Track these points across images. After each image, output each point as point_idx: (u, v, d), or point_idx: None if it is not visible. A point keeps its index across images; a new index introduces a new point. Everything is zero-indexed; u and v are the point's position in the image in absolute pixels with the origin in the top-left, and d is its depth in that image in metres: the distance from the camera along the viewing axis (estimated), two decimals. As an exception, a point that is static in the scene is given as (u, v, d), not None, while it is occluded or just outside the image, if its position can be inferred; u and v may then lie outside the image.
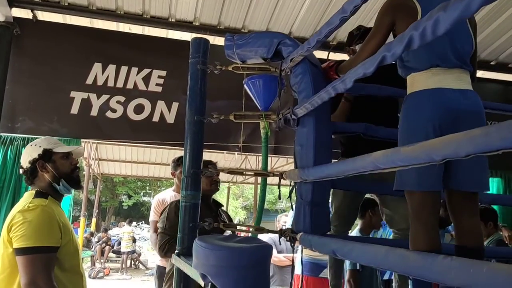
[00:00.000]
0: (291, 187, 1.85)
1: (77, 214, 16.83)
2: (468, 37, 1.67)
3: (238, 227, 2.10)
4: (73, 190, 2.08)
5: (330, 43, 3.86)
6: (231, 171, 2.16)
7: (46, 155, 1.92)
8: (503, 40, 3.90)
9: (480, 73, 4.40)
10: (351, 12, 1.29)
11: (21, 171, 1.97)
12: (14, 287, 1.72)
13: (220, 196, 23.70)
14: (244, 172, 2.15)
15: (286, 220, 5.15)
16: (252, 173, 2.06)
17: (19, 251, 1.68)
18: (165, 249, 2.40)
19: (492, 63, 4.27)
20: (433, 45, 1.53)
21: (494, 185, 4.26)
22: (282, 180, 1.88)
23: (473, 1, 0.80)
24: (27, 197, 1.87)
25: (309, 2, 3.45)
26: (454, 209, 1.64)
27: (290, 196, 1.88)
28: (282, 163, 10.05)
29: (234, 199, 25.05)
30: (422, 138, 1.48)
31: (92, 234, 12.76)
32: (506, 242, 3.51)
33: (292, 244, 1.78)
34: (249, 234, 2.29)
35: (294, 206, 1.93)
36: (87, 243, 12.19)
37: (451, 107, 1.52)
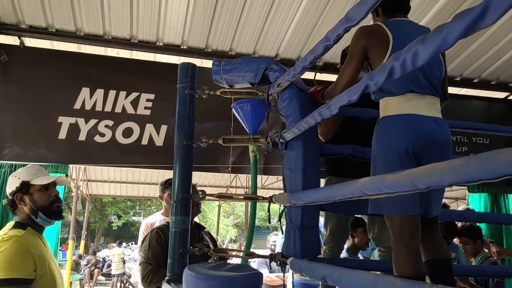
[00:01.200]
0: (280, 210, 1.86)
1: (66, 236, 16.54)
2: (438, 63, 1.73)
3: (229, 252, 2.09)
4: (54, 221, 2.01)
5: (317, 63, 3.92)
6: (221, 195, 2.16)
7: (24, 188, 1.90)
8: (485, 58, 3.99)
9: (463, 91, 4.49)
10: (334, 40, 1.33)
11: (4, 202, 1.96)
12: None
13: (211, 214, 23.60)
14: (233, 197, 2.15)
15: (276, 239, 5.15)
16: (242, 197, 2.06)
17: None
18: (148, 279, 2.33)
19: (475, 80, 4.35)
20: (408, 73, 1.57)
21: (482, 200, 4.30)
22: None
23: (449, 35, 0.83)
24: (6, 227, 1.87)
25: (294, 25, 3.51)
26: (425, 230, 1.69)
27: (279, 220, 1.89)
28: (272, 180, 10.05)
29: (225, 217, 24.90)
30: (396, 162, 1.57)
31: (80, 257, 12.54)
32: (494, 257, 3.54)
33: (283, 269, 1.79)
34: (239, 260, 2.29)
35: (284, 229, 1.94)
36: (76, 266, 11.96)
37: (424, 134, 1.58)
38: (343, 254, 3.27)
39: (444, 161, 0.85)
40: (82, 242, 13.76)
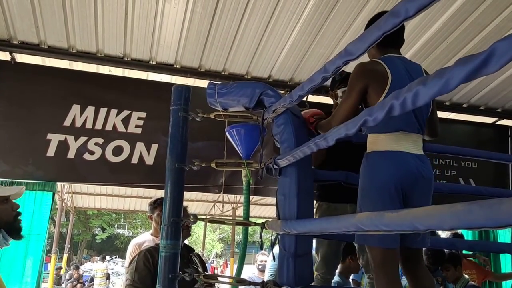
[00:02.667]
0: (273, 237, 1.84)
1: (48, 248, 16.20)
2: (428, 102, 1.79)
3: (220, 279, 2.05)
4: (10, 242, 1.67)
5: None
6: (212, 220, 2.13)
7: None
8: (474, 83, 4.06)
9: (452, 115, 4.56)
10: (333, 72, 1.34)
11: None
12: None
13: (197, 229, 23.36)
14: (225, 221, 2.13)
15: (263, 259, 5.08)
16: (233, 222, 2.04)
17: None
18: None
19: (464, 105, 4.42)
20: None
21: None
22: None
23: (451, 79, 0.83)
24: None
25: (288, 47, 3.54)
26: (406, 261, 1.81)
27: (272, 246, 1.88)
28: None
29: (211, 232, 24.67)
30: (386, 197, 1.64)
31: (60, 269, 12.25)
32: (487, 266, 3.58)
33: (275, 298, 1.76)
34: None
35: (274, 254, 1.92)
36: (57, 279, 11.67)
37: (411, 171, 1.67)
38: (336, 278, 3.25)
39: (445, 205, 0.84)
40: (65, 256, 13.49)
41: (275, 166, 1.76)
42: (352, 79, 1.79)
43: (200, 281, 1.90)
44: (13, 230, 1.64)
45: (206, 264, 2.77)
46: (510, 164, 4.49)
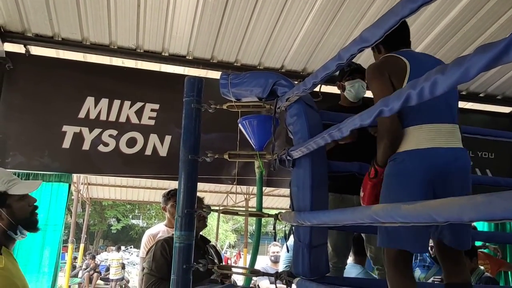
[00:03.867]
0: (287, 227, 1.84)
1: (65, 238, 16.47)
2: (455, 91, 1.75)
3: (233, 269, 2.06)
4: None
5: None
6: (226, 211, 2.14)
7: (1, 200, 1.59)
8: (492, 73, 3.98)
9: (469, 105, 4.48)
10: (347, 59, 1.31)
11: None
12: None
13: (210, 220, 23.53)
14: (238, 213, 2.13)
15: (276, 250, 5.09)
16: (247, 213, 2.03)
17: None
18: None
19: (481, 95, 4.34)
20: (431, 101, 1.56)
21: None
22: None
23: (471, 68, 0.81)
24: None
25: (301, 38, 3.51)
26: (441, 257, 1.73)
27: (286, 238, 1.87)
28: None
29: (224, 222, 24.82)
30: (409, 195, 1.54)
31: (75, 258, 12.47)
32: (498, 254, 3.53)
33: None
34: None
35: (287, 245, 1.91)
36: (74, 269, 11.90)
37: (442, 168, 1.57)
38: (359, 269, 3.23)
39: (464, 196, 0.83)
40: (82, 246, 13.72)
41: (288, 158, 1.74)
42: (371, 78, 1.74)
43: (216, 272, 1.91)
44: (30, 224, 1.66)
45: (220, 255, 2.78)
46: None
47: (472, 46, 3.43)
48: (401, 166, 1.62)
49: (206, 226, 2.60)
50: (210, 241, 2.73)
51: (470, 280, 1.73)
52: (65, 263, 10.89)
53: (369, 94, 2.65)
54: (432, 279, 3.15)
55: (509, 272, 4.10)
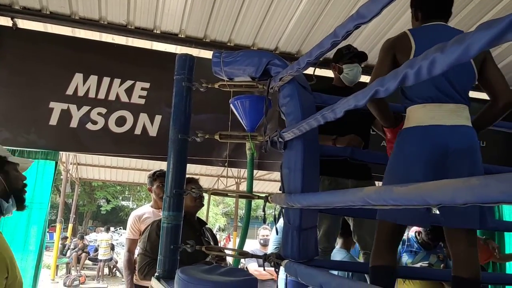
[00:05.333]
0: (277, 211, 1.82)
1: (53, 218, 16.45)
2: (468, 68, 1.67)
3: (221, 251, 2.05)
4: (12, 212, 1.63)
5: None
6: (215, 192, 2.11)
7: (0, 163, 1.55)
8: (508, 61, 3.96)
9: (484, 95, 4.43)
10: (343, 37, 1.27)
11: None
12: None
13: (201, 202, 23.53)
14: (228, 194, 2.11)
15: (266, 233, 5.09)
16: (237, 195, 2.01)
17: None
18: (144, 272, 2.31)
19: (475, 83, 4.31)
20: (429, 79, 1.53)
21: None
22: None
23: (472, 45, 0.78)
24: None
25: (296, 18, 3.44)
26: (449, 240, 1.69)
27: (276, 220, 1.85)
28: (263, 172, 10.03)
29: (215, 206, 24.91)
30: (410, 176, 1.55)
31: (65, 238, 12.45)
32: (495, 254, 3.55)
33: (277, 270, 1.75)
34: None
35: (277, 228, 1.90)
36: (62, 249, 11.89)
37: (440, 145, 1.56)
38: (344, 253, 3.24)
39: (459, 179, 0.80)
40: (70, 225, 13.70)
41: (280, 139, 1.71)
42: (380, 53, 1.75)
43: (210, 255, 1.90)
44: (20, 198, 1.62)
45: (216, 238, 2.77)
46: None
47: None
48: (401, 145, 1.65)
49: (202, 205, 2.58)
50: (206, 223, 2.71)
51: (480, 275, 1.62)
52: (53, 242, 10.88)
53: (363, 78, 2.63)
54: (420, 264, 3.17)
55: (498, 263, 4.16)
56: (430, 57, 0.87)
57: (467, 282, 1.58)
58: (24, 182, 1.65)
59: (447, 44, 0.82)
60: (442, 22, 1.75)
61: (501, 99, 1.71)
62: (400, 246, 3.34)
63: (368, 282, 1.70)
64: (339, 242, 3.29)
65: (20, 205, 1.63)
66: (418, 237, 3.28)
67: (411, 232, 3.43)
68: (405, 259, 3.38)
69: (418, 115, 1.63)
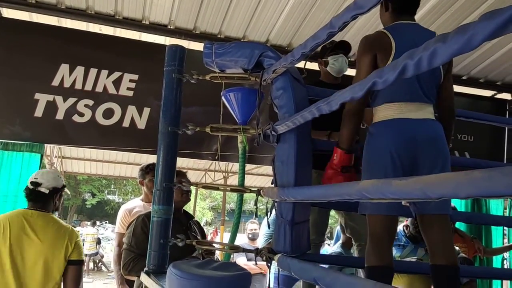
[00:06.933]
0: (269, 204, 1.80)
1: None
2: (437, 73, 1.72)
3: (213, 245, 2.02)
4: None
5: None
6: (207, 186, 2.08)
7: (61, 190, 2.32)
8: (475, 56, 3.98)
9: (451, 88, 4.48)
10: (340, 28, 1.25)
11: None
12: None
13: (188, 197, 23.46)
14: (219, 188, 2.08)
15: (254, 227, 5.08)
16: (228, 188, 1.98)
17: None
18: (129, 268, 2.25)
19: (464, 77, 4.35)
20: (402, 84, 1.59)
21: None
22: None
23: (475, 36, 0.76)
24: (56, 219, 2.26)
25: (287, 11, 3.40)
26: (424, 229, 1.72)
27: (268, 213, 1.83)
28: (251, 166, 9.99)
29: (202, 200, 24.83)
30: (387, 164, 1.60)
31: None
32: (479, 254, 3.59)
33: (269, 264, 1.73)
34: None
35: (269, 221, 1.88)
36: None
37: (408, 135, 1.62)
38: (338, 249, 3.25)
39: (460, 172, 0.79)
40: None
41: (273, 132, 1.69)
42: (359, 54, 1.73)
43: (198, 249, 1.87)
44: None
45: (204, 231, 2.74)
46: (506, 138, 4.47)
47: (467, 20, 3.39)
48: (371, 138, 1.69)
49: (189, 200, 2.55)
50: (193, 217, 2.68)
51: (457, 261, 1.67)
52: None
53: (349, 72, 2.62)
54: (409, 259, 3.19)
55: (484, 258, 4.20)
56: (430, 48, 0.86)
57: (445, 268, 1.60)
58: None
59: (448, 35, 0.81)
60: (414, 21, 1.79)
61: (444, 114, 1.81)
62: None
63: None
64: (341, 239, 3.30)
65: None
66: (406, 231, 3.30)
67: (399, 226, 3.45)
68: (394, 252, 3.39)
69: (386, 112, 1.67)
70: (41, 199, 2.17)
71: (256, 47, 1.86)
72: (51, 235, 2.11)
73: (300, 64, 1.71)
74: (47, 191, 2.18)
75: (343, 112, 1.72)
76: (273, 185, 1.76)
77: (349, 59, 2.62)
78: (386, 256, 1.63)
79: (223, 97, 1.99)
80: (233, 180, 13.21)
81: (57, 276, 2.10)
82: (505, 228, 4.31)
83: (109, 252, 13.54)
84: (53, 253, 2.08)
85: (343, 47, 2.55)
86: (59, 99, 3.31)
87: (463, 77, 4.34)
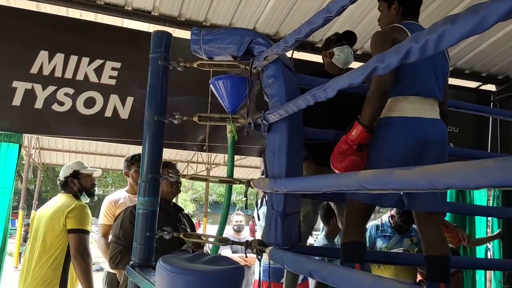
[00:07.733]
0: (260, 196, 1.76)
1: (15, 204, 15.87)
2: (446, 66, 1.80)
3: (202, 237, 1.97)
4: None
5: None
6: (195, 177, 2.02)
7: (74, 174, 2.91)
8: (461, 47, 3.99)
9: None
10: (337, 12, 1.19)
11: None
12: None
13: (170, 189, 23.29)
14: (208, 179, 2.02)
15: (239, 219, 5.03)
16: (217, 180, 1.93)
17: None
18: (116, 260, 2.20)
19: (449, 68, 4.36)
20: (420, 73, 1.68)
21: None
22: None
23: (489, 16, 0.71)
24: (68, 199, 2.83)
25: (274, -1, 3.34)
26: (419, 224, 1.82)
27: (258, 205, 1.78)
28: (237, 157, 9.95)
29: (184, 192, 24.73)
30: (400, 162, 1.59)
31: (28, 225, 12.02)
32: (464, 243, 3.63)
33: (259, 257, 1.69)
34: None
35: (259, 213, 1.83)
36: (25, 236, 11.47)
37: (420, 137, 1.66)
38: (323, 241, 3.23)
39: (470, 161, 0.74)
40: (33, 212, 13.25)
41: (264, 121, 1.64)
42: (376, 44, 1.70)
43: (188, 243, 1.82)
44: (89, 193, 2.93)
45: (193, 224, 2.69)
46: (490, 130, 4.52)
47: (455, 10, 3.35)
48: (382, 136, 1.69)
49: (179, 191, 2.51)
50: (183, 210, 2.62)
51: (449, 253, 1.78)
52: (16, 229, 10.48)
53: (353, 65, 2.57)
54: (395, 250, 3.19)
55: (468, 247, 4.26)
56: (438, 30, 0.81)
57: (438, 258, 1.72)
58: (93, 182, 2.92)
59: (459, 16, 0.76)
60: (418, 23, 1.83)
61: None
62: (374, 232, 3.37)
63: (340, 259, 1.76)
64: (325, 229, 3.28)
65: (91, 196, 2.89)
66: (391, 221, 3.30)
67: (385, 216, 3.45)
68: (380, 244, 3.39)
69: (401, 106, 1.69)
70: (60, 185, 2.89)
71: (246, 34, 1.80)
72: (54, 209, 2.71)
73: (288, 54, 1.67)
74: (62, 179, 2.87)
75: (370, 89, 1.66)
76: (263, 176, 1.71)
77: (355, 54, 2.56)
78: (358, 233, 1.75)
79: (211, 85, 1.92)
80: (216, 172, 13.15)
81: (54, 243, 2.63)
82: (489, 218, 4.36)
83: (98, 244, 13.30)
84: (51, 224, 2.65)
85: (349, 38, 2.45)
86: (38, 87, 3.18)
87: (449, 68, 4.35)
